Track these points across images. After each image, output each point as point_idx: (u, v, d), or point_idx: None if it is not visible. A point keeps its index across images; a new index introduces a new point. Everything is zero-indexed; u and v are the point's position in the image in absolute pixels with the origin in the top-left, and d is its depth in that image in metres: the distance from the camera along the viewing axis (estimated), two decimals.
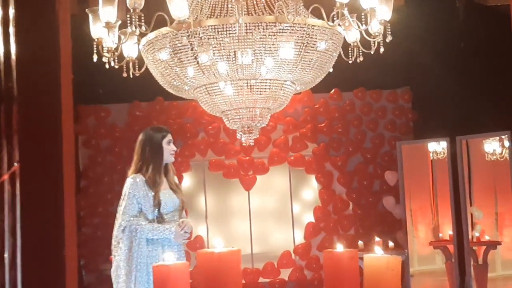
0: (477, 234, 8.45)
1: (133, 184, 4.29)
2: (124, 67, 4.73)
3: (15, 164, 1.47)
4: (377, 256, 2.54)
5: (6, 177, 1.49)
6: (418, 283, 8.86)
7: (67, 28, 1.54)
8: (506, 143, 8.27)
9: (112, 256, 4.36)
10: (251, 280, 8.92)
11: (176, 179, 4.57)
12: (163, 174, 4.42)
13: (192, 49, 4.51)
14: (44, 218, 1.45)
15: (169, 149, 4.42)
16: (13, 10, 1.54)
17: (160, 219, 4.34)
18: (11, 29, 1.54)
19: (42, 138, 1.44)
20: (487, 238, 8.57)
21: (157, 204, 4.32)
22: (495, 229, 8.72)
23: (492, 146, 8.78)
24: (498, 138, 8.58)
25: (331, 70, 4.93)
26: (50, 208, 1.44)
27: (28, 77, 1.49)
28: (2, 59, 1.56)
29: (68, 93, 1.48)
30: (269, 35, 4.41)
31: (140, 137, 4.45)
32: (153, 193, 4.31)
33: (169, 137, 4.46)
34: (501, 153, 8.62)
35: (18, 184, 1.50)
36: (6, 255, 1.50)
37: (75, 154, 8.88)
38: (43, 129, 1.45)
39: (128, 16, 3.99)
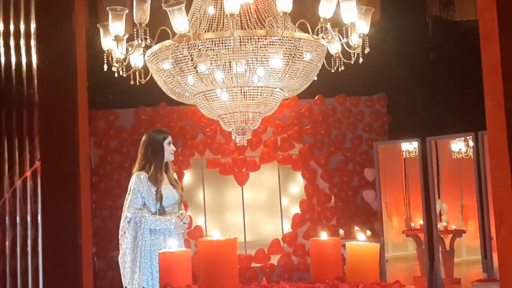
0: (444, 224, 8.48)
1: (138, 180, 4.28)
2: (131, 76, 4.71)
3: (37, 162, 1.47)
4: (358, 243, 2.55)
5: (28, 173, 1.48)
6: (393, 267, 8.88)
7: (83, 40, 1.53)
8: (471, 143, 8.30)
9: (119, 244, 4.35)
10: (244, 265, 8.92)
11: (175, 176, 4.56)
12: (164, 172, 4.42)
13: (192, 60, 4.50)
14: (62, 210, 1.44)
15: (169, 149, 4.42)
16: (34, 25, 1.54)
17: (161, 211, 4.34)
18: (33, 42, 1.54)
19: (61, 139, 1.43)
20: (453, 227, 8.60)
21: (159, 198, 4.31)
22: (460, 220, 8.75)
23: (458, 145, 8.81)
24: (463, 138, 8.61)
25: (315, 78, 4.93)
26: (67, 201, 1.43)
27: (47, 85, 1.49)
28: (25, 68, 1.56)
29: (84, 99, 1.48)
30: (260, 47, 4.40)
31: (143, 138, 4.44)
32: (155, 189, 4.30)
33: (169, 138, 4.45)
34: (466, 152, 8.65)
35: (39, 180, 1.50)
36: (29, 244, 1.50)
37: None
38: (61, 131, 1.44)
39: (134, 30, 3.99)
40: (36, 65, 1.50)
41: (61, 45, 1.46)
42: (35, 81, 1.49)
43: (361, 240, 2.56)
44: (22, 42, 1.59)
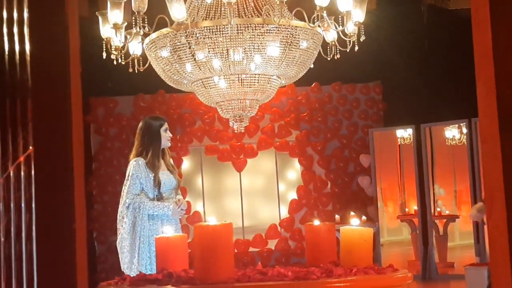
0: (438, 209, 8.50)
1: (136, 166, 4.26)
2: (130, 63, 4.69)
3: (30, 147, 1.45)
4: (352, 227, 2.54)
5: (22, 159, 1.47)
6: (388, 252, 8.90)
7: (76, 27, 1.52)
8: (464, 130, 8.30)
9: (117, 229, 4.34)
10: (242, 250, 8.93)
11: (172, 161, 4.54)
12: (161, 158, 4.40)
13: (190, 48, 4.48)
14: (56, 196, 1.43)
15: (166, 136, 4.40)
16: (27, 13, 1.52)
17: (159, 197, 4.32)
18: (25, 29, 1.52)
19: (54, 124, 1.42)
20: (447, 212, 8.62)
21: (157, 184, 4.30)
22: (454, 205, 8.77)
23: (452, 132, 8.81)
24: (457, 125, 8.61)
25: (312, 66, 4.91)
26: (61, 187, 1.42)
27: (40, 71, 1.47)
28: (18, 55, 1.54)
29: (77, 85, 1.46)
30: (257, 35, 4.38)
31: (140, 125, 4.42)
32: (153, 175, 4.28)
33: (166, 125, 4.43)
34: (460, 139, 8.65)
35: (32, 165, 1.48)
36: (23, 229, 1.49)
37: (88, 141, 8.83)
38: (55, 117, 1.43)
39: (133, 18, 3.96)
40: (29, 52, 1.48)
41: (54, 32, 1.44)
42: (28, 68, 1.48)
43: (355, 225, 2.55)
44: (15, 29, 1.57)
